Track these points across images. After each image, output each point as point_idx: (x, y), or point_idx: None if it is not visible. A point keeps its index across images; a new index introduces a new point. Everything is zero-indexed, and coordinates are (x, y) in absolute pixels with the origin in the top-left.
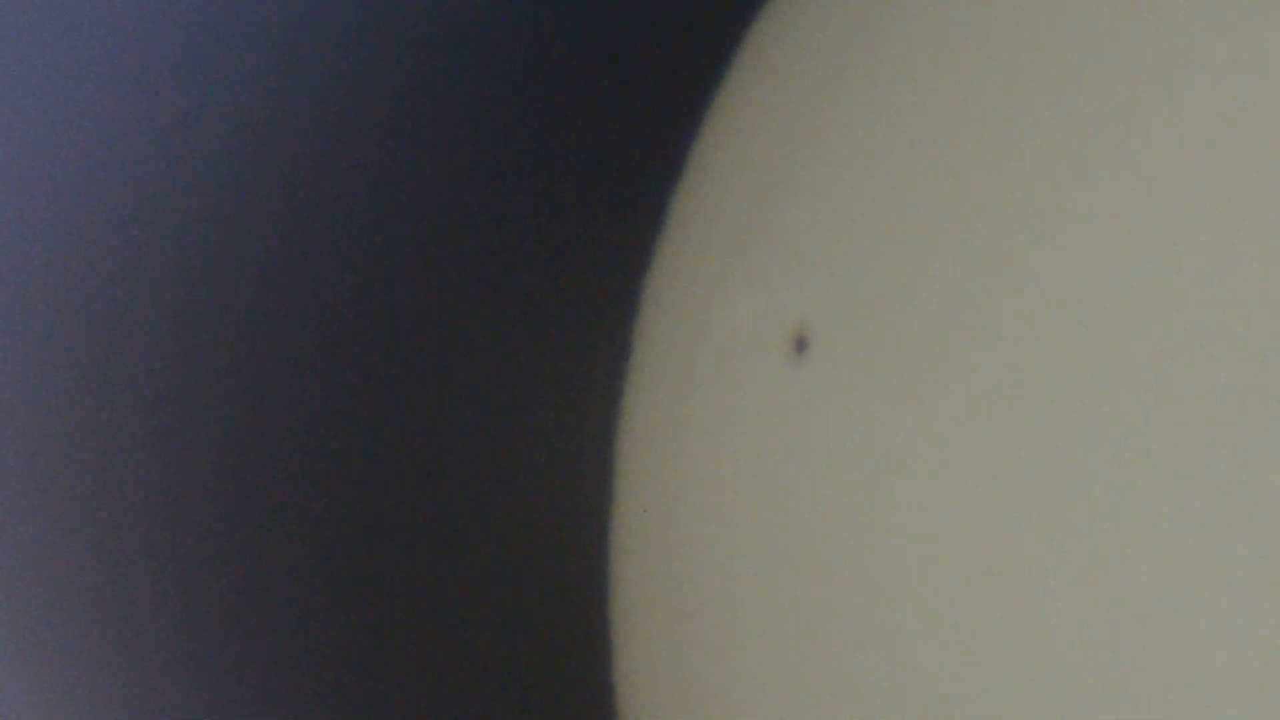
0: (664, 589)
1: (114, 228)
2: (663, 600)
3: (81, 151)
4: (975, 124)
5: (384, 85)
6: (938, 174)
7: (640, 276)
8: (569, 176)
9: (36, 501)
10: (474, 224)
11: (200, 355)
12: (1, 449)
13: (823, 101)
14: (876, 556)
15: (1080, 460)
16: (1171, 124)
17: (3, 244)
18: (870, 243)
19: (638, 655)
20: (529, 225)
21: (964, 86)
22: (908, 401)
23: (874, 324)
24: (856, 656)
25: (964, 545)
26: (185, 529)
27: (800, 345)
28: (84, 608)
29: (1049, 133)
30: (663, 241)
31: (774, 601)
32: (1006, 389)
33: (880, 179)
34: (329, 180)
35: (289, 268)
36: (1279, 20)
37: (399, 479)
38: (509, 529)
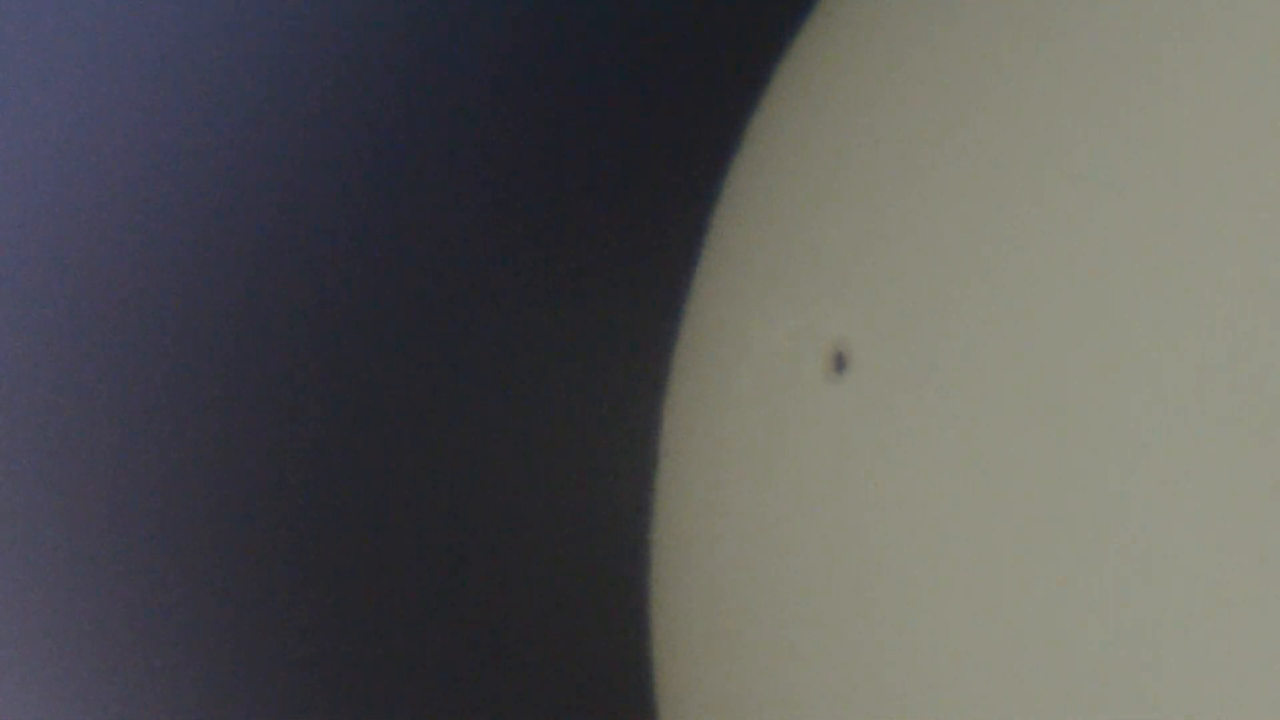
0: (704, 603)
1: (117, 225)
2: (702, 613)
3: (81, 150)
4: (1012, 144)
5: (430, 98)
6: (974, 193)
7: (681, 294)
8: (610, 195)
9: (36, 501)
10: (516, 242)
11: (218, 352)
12: (2, 449)
13: (860, 122)
14: (914, 570)
15: (1120, 476)
16: (1210, 145)
17: (3, 244)
18: (907, 261)
19: (678, 667)
20: (570, 243)
21: (1000, 108)
22: (945, 418)
23: (911, 342)
24: (894, 667)
25: (1001, 558)
26: (192, 531)
27: (839, 363)
28: (84, 608)
29: (1087, 154)
30: (703, 260)
31: (812, 614)
32: (1043, 405)
33: (917, 199)
34: (377, 189)
35: (332, 272)
36: None
37: (440, 490)
38: (550, 542)
